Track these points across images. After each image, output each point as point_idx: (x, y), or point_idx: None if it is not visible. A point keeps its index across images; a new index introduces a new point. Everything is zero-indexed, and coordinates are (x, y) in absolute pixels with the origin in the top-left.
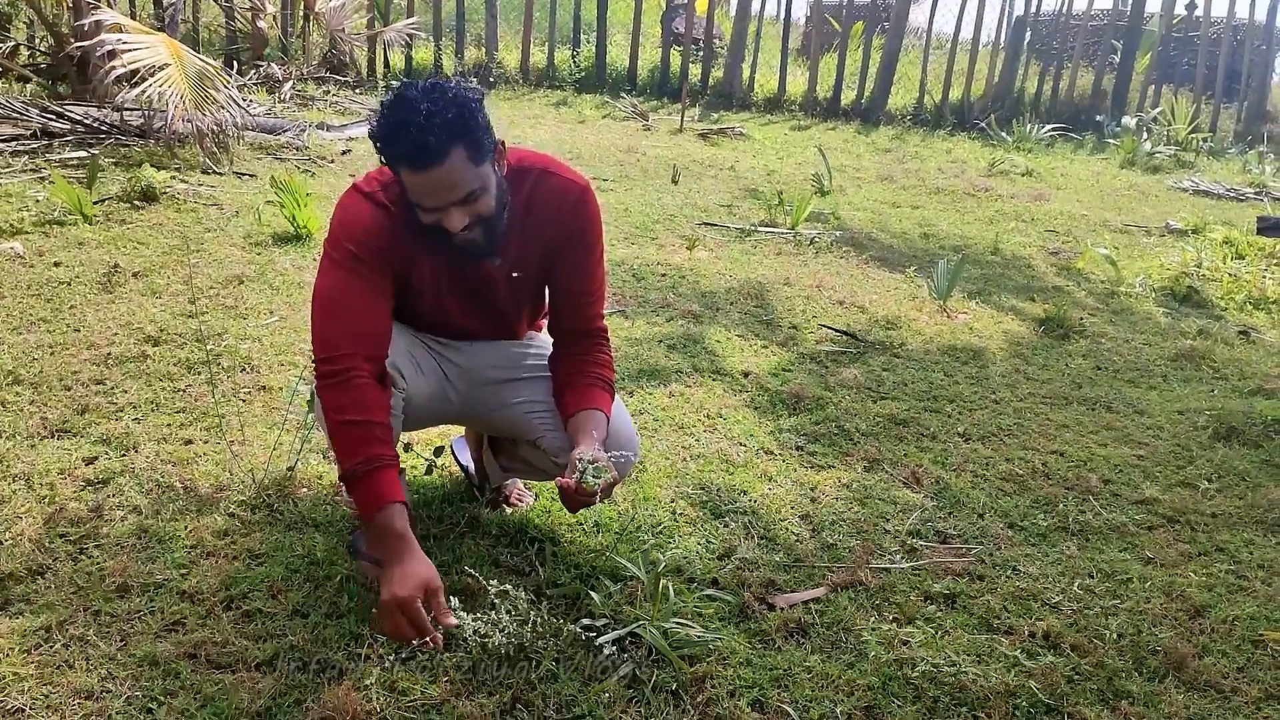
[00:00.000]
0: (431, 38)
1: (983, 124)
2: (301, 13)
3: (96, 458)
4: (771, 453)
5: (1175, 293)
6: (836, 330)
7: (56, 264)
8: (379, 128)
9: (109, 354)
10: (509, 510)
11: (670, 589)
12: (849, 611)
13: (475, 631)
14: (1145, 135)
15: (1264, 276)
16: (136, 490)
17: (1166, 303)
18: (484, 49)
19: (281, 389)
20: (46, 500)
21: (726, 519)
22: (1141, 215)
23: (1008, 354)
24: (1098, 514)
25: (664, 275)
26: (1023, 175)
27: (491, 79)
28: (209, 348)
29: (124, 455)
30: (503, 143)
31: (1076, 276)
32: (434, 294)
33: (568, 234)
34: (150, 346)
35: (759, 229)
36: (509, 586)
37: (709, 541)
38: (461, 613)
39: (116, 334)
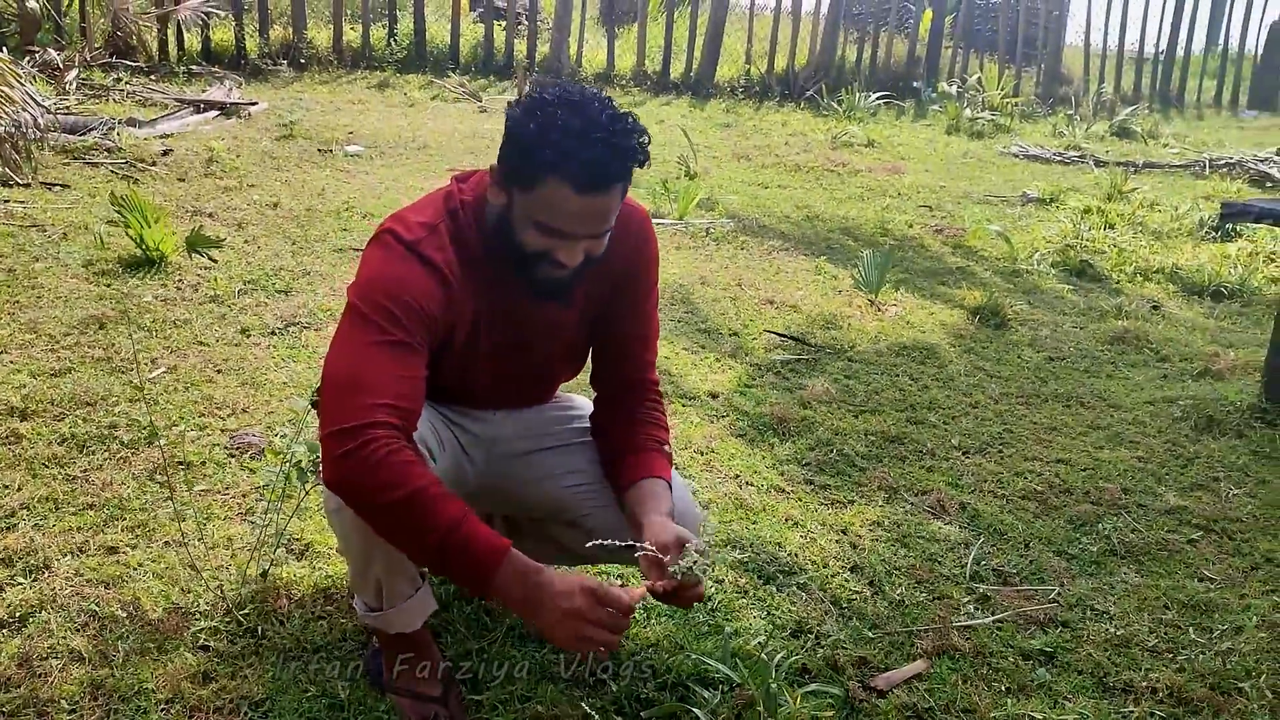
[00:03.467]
0: (232, 15)
1: (810, 93)
2: None
3: (1, 588)
4: (784, 490)
5: (1070, 267)
6: (783, 336)
7: None
8: (542, 132)
9: None
10: None
11: (786, 694)
12: (959, 687)
13: None
14: (964, 102)
15: (1140, 246)
16: (68, 628)
17: (1066, 278)
18: (291, 27)
19: (205, 464)
20: None
21: (777, 582)
22: (992, 184)
23: (958, 350)
24: (1136, 530)
25: None
26: (866, 146)
27: (302, 60)
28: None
29: (35, 580)
30: None
31: (972, 255)
32: (469, 354)
33: (631, 268)
34: (19, 422)
35: None
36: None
37: (773, 614)
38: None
39: None
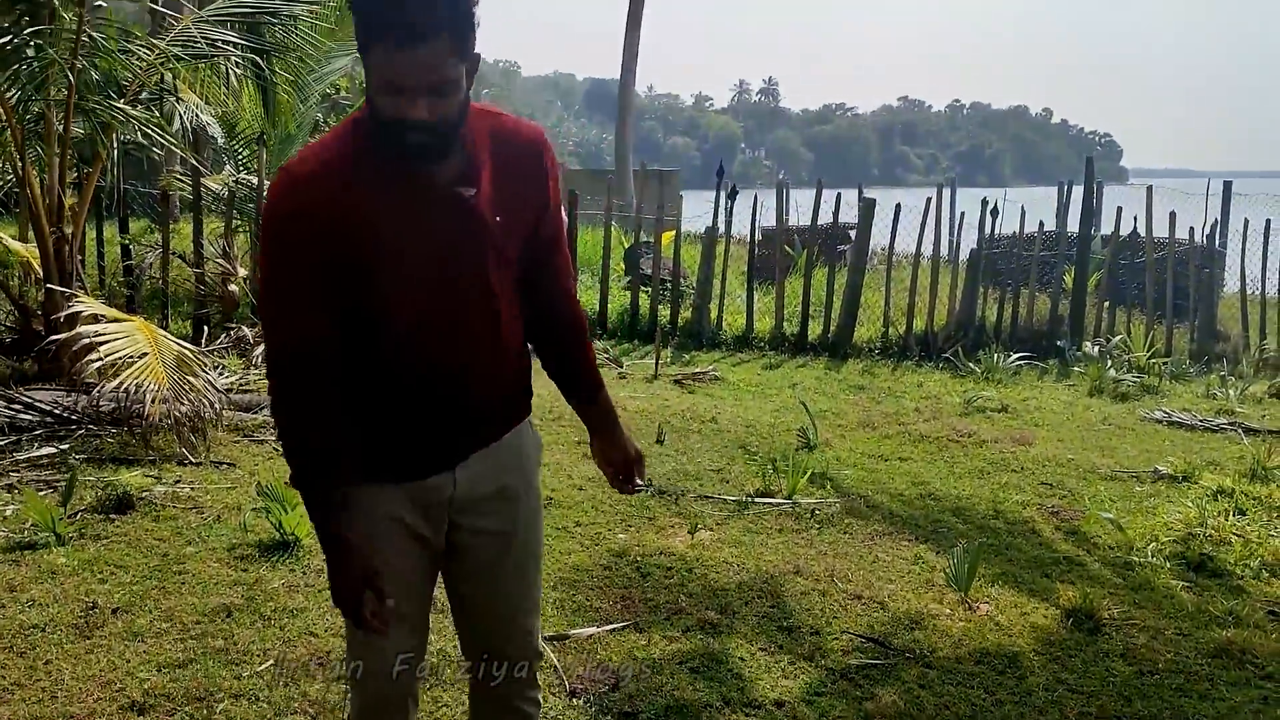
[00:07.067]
0: None
1: (948, 354)
2: None
3: None
4: None
5: (1189, 560)
6: (861, 637)
7: (30, 603)
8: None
9: None
10: None
11: None
12: None
13: None
14: (1108, 362)
15: (1271, 536)
16: None
17: (1183, 573)
18: None
19: None
20: None
21: None
22: (1125, 456)
23: (1043, 658)
24: None
25: (670, 569)
26: (999, 412)
27: None
28: None
29: None
30: (479, 55)
31: (1084, 542)
32: (399, 273)
33: (529, 158)
34: (135, 716)
35: (756, 500)
36: None
37: None
38: None
39: (98, 700)
